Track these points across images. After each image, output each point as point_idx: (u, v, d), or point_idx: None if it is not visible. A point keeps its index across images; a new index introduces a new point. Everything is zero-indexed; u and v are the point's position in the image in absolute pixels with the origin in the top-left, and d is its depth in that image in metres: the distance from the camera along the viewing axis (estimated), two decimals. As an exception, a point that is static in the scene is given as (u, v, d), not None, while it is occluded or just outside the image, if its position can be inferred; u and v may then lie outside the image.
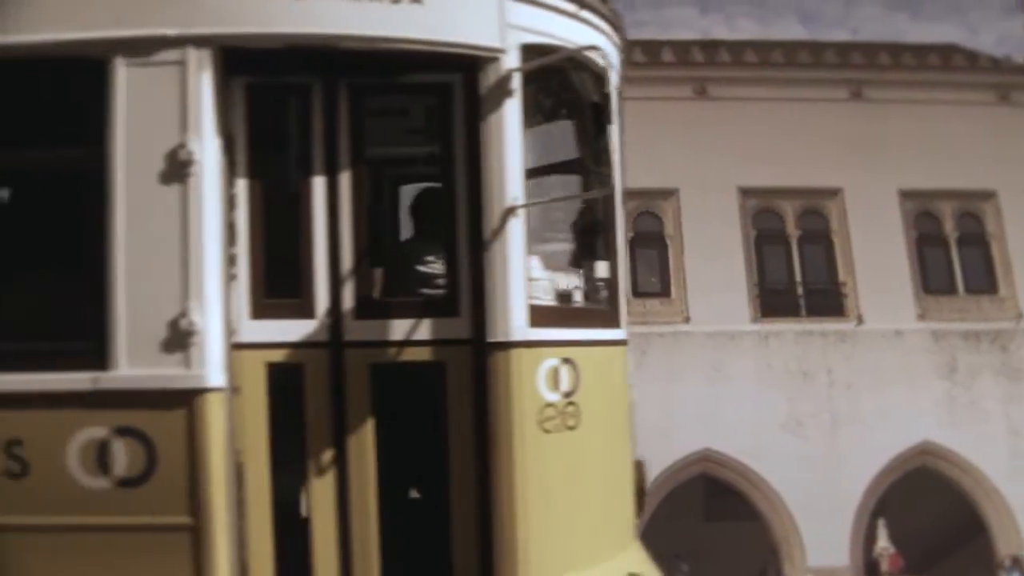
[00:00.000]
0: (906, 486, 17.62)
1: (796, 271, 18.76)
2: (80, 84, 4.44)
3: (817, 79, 18.28)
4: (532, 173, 5.66)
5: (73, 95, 4.49)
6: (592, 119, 4.65)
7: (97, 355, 4.32)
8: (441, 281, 5.01)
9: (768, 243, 18.52)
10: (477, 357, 4.65)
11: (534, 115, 5.17)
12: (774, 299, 18.08)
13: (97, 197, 4.37)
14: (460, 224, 4.69)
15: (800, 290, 18.51)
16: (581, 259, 5.38)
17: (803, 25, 18.80)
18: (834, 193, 18.32)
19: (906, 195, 18.69)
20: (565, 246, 5.75)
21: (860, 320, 17.75)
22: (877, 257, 17.78)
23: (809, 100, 17.77)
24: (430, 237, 5.23)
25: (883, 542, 17.37)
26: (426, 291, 4.95)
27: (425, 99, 4.87)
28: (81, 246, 4.48)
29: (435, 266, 5.11)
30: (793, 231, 18.84)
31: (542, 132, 5.63)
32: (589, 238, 5.39)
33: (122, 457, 4.31)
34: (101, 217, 4.34)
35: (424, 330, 4.69)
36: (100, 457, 4.31)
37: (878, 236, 17.87)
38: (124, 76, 4.35)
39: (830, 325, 17.60)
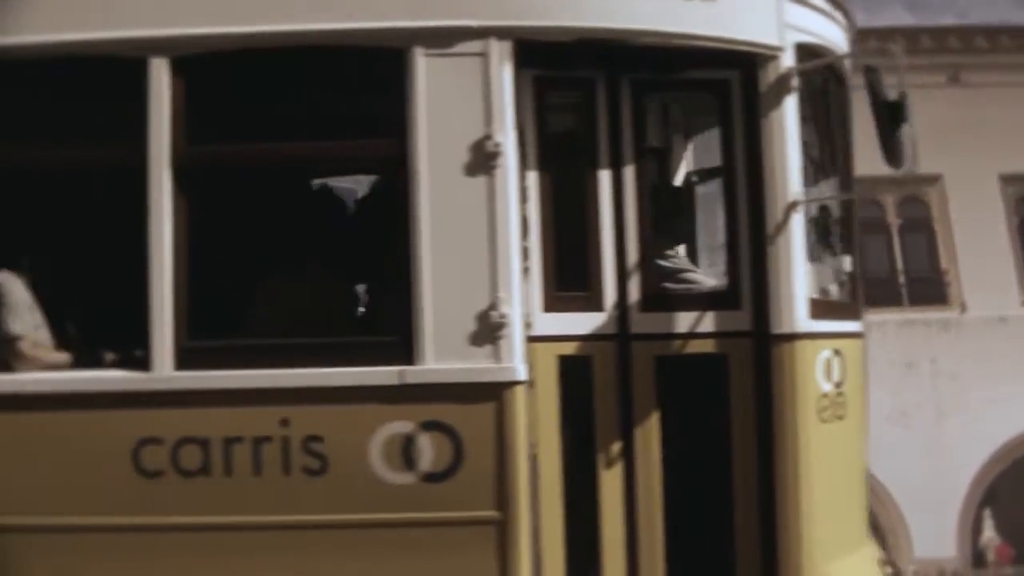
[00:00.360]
0: (1014, 475, 17.46)
1: (897, 260, 18.50)
2: (377, 74, 4.46)
3: (913, 65, 17.98)
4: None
5: (373, 85, 4.50)
6: (888, 117, 4.60)
7: (403, 349, 4.29)
8: (683, 276, 5.04)
9: (868, 232, 18.24)
10: (759, 349, 4.66)
11: None
12: (875, 289, 17.76)
13: (400, 188, 4.35)
14: (741, 218, 4.70)
15: (902, 279, 18.27)
16: (818, 253, 5.39)
17: (909, 12, 18.35)
18: (934, 180, 18.13)
19: (1007, 180, 18.46)
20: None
21: (963, 308, 17.57)
22: (979, 243, 17.56)
23: (905, 87, 17.43)
24: (665, 232, 5.24)
25: (989, 532, 17.29)
26: (668, 285, 4.94)
27: (703, 96, 4.86)
28: (385, 238, 4.50)
29: (676, 261, 5.11)
30: (893, 220, 18.59)
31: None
32: (826, 234, 5.38)
33: (428, 452, 4.29)
34: (405, 208, 4.31)
35: (707, 323, 4.71)
36: (405, 452, 4.32)
37: (980, 222, 17.63)
38: (424, 67, 4.32)
39: (933, 314, 17.42)
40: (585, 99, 4.63)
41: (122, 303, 4.62)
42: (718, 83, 4.72)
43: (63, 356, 4.51)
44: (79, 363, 4.54)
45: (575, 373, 4.55)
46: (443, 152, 4.31)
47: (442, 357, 4.29)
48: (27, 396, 4.40)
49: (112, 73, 4.40)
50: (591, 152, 4.65)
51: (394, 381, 4.29)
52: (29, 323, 4.48)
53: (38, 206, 4.63)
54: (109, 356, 4.55)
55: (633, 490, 4.61)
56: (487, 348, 4.30)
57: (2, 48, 4.40)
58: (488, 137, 4.30)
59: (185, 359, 4.34)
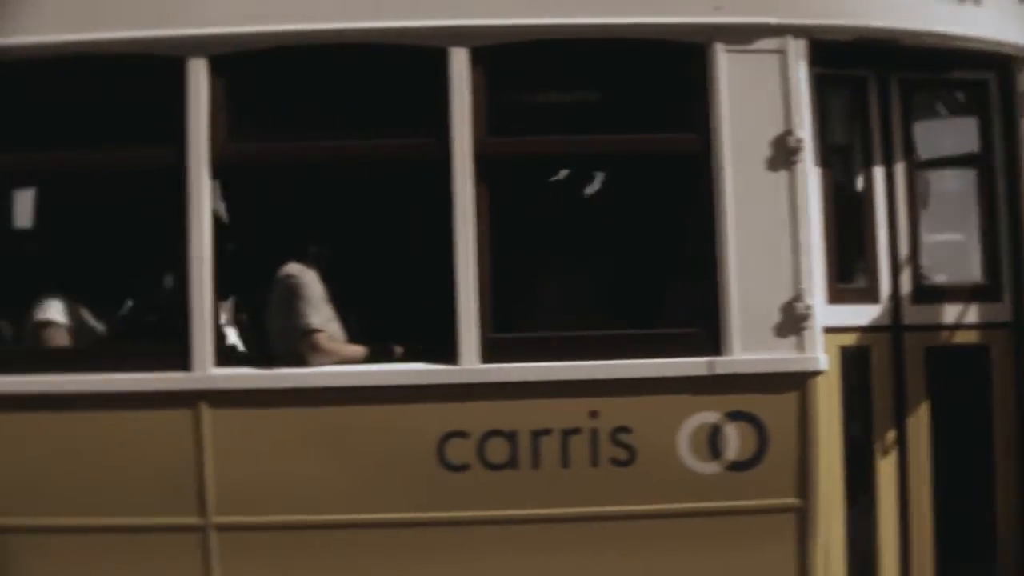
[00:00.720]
0: None
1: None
2: (676, 69, 4.49)
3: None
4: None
5: (672, 79, 4.54)
6: None
7: (710, 340, 4.36)
8: None
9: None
10: (1019, 340, 4.84)
11: None
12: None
13: (703, 182, 4.40)
14: (1000, 214, 4.87)
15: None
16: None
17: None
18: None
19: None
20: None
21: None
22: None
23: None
24: None
25: None
26: None
27: (962, 95, 5.04)
28: (684, 231, 4.54)
29: None
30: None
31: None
32: None
33: (734, 441, 4.36)
34: (708, 202, 4.37)
35: (970, 314, 4.86)
36: (711, 442, 4.39)
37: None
38: (725, 63, 4.40)
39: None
40: (858, 97, 4.74)
41: (406, 295, 4.65)
42: (978, 83, 4.89)
43: (359, 349, 4.45)
44: (371, 357, 4.52)
45: (855, 363, 4.64)
46: (746, 147, 4.39)
47: (748, 348, 4.36)
48: (328, 390, 4.34)
49: (411, 62, 4.38)
50: (866, 149, 4.75)
51: (703, 372, 4.35)
52: (325, 316, 4.43)
53: (327, 198, 4.58)
54: (398, 349, 4.54)
55: (906, 477, 4.72)
56: (791, 339, 4.38)
57: (300, 34, 4.32)
58: (789, 132, 4.39)
59: (491, 351, 4.34)
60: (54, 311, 4.53)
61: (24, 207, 4.98)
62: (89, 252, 4.69)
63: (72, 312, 4.59)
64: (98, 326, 4.70)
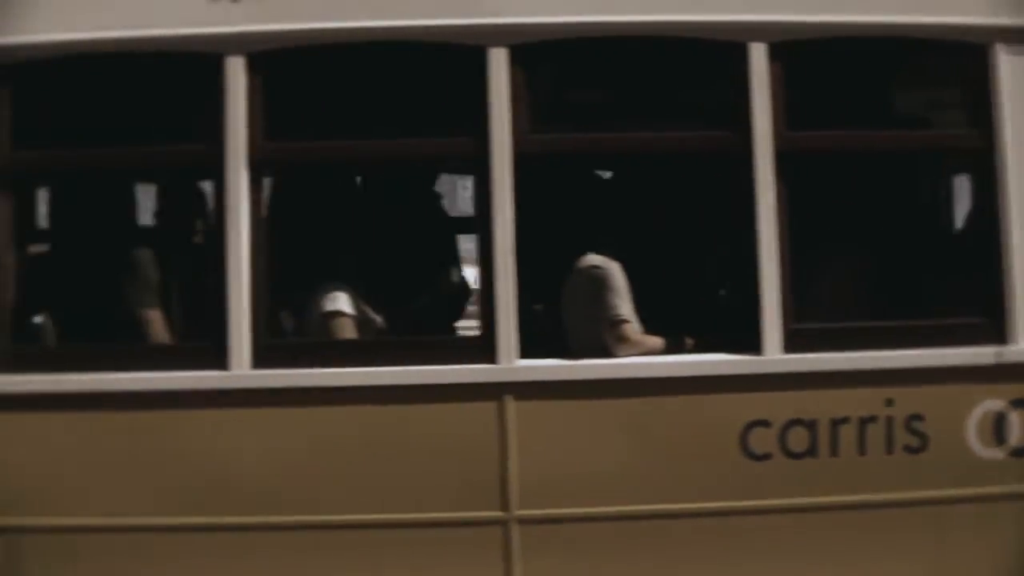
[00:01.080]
0: None
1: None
2: (956, 68, 4.64)
3: None
4: None
5: (951, 78, 4.68)
6: None
7: (996, 330, 4.49)
8: None
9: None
10: None
11: None
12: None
13: (986, 178, 4.52)
14: None
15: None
16: None
17: None
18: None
19: None
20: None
21: None
22: None
23: None
24: None
25: None
26: None
27: None
28: (968, 224, 4.67)
29: None
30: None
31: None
32: None
33: (1017, 428, 4.51)
34: (992, 197, 4.47)
35: None
36: (996, 428, 4.52)
37: None
38: (1006, 63, 4.56)
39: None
40: None
41: (695, 287, 4.70)
42: None
43: (659, 340, 4.47)
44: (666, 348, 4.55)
45: None
46: None
47: None
48: (635, 381, 4.33)
49: (709, 57, 4.41)
50: None
51: (990, 361, 4.50)
52: (630, 307, 4.42)
53: (624, 190, 4.58)
54: (689, 341, 4.57)
55: None
56: None
57: (601, 25, 4.32)
58: None
59: (792, 342, 4.41)
60: (343, 302, 4.46)
61: (306, 200, 4.82)
62: (372, 245, 4.63)
63: (356, 304, 4.54)
64: (376, 318, 4.64)
